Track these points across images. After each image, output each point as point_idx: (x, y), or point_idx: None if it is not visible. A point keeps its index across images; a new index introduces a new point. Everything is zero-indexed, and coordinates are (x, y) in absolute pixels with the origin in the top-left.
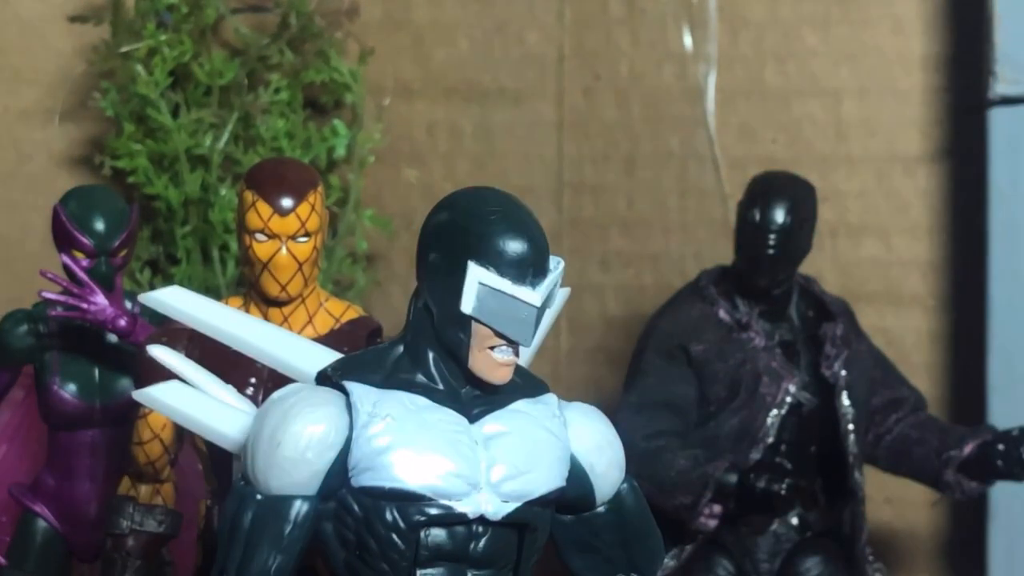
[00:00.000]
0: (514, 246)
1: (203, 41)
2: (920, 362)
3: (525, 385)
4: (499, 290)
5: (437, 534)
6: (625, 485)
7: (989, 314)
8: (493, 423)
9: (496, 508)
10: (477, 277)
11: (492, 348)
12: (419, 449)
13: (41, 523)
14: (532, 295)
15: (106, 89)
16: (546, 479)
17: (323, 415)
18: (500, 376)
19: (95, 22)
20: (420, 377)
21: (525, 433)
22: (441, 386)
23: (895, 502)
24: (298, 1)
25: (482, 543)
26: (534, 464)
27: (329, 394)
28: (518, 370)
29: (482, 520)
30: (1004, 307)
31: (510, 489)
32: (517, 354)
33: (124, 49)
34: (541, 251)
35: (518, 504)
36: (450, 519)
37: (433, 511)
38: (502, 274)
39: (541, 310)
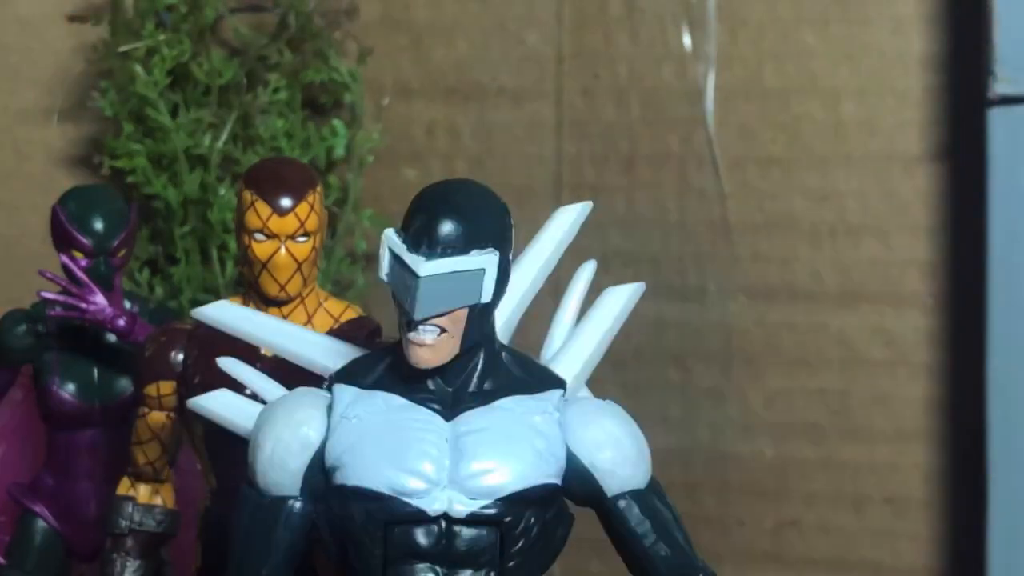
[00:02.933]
0: (422, 216)
1: (202, 41)
2: (920, 362)
3: (528, 380)
4: (396, 253)
5: (404, 531)
6: (642, 489)
7: (989, 314)
8: (470, 420)
9: (463, 506)
10: (388, 241)
11: (408, 326)
12: (377, 448)
13: (40, 523)
14: (418, 263)
15: (105, 89)
16: (520, 476)
17: (302, 417)
18: (418, 358)
19: (94, 22)
20: (404, 375)
21: (500, 430)
22: (424, 383)
23: (895, 502)
24: (297, 1)
25: (456, 541)
26: (506, 461)
27: (315, 397)
28: (527, 364)
29: (447, 517)
30: (1004, 307)
31: (477, 486)
32: (458, 337)
33: (123, 49)
34: (450, 228)
35: (487, 501)
36: (410, 517)
37: (393, 509)
38: (403, 240)
39: (439, 287)
